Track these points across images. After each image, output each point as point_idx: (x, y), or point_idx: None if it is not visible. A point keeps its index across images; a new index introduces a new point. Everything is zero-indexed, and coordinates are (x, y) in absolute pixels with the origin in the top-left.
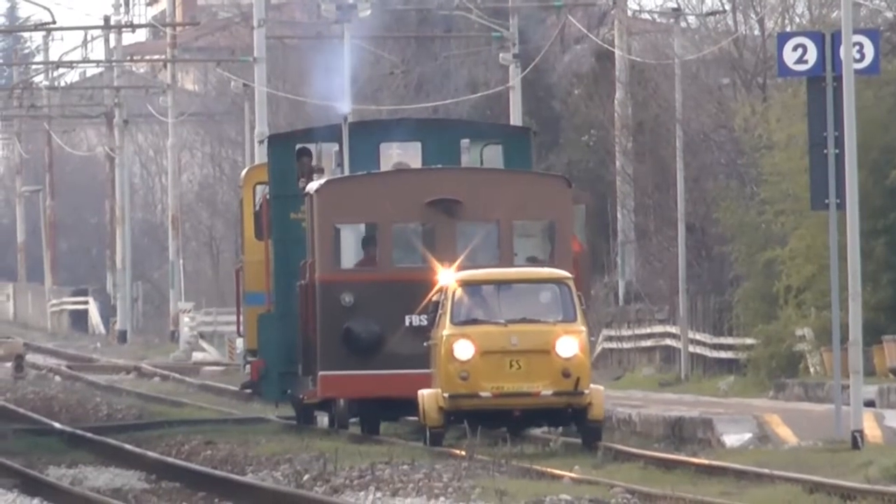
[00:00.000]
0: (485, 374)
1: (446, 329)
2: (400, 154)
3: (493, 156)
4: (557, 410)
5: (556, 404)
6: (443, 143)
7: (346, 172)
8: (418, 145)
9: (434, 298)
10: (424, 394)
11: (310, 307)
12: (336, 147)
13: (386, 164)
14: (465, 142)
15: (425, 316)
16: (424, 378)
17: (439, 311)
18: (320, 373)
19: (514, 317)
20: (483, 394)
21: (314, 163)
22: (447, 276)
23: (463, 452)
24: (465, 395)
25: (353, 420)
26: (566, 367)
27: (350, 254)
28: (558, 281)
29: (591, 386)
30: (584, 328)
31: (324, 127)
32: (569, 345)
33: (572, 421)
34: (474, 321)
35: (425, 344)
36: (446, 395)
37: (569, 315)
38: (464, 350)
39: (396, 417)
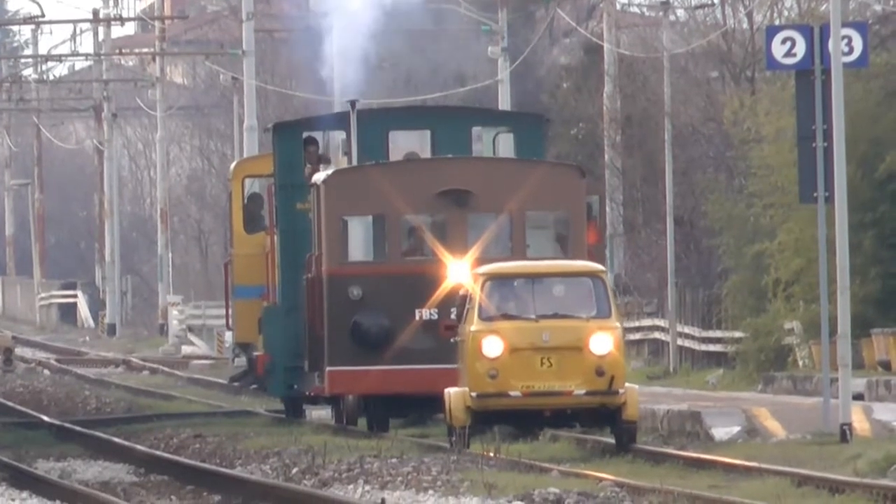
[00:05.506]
0: (514, 373)
1: (474, 325)
2: (409, 144)
3: (506, 144)
4: (590, 410)
5: (589, 404)
6: (453, 131)
7: (354, 161)
8: (428, 133)
9: (461, 292)
10: (451, 392)
11: (316, 301)
12: (343, 135)
13: (395, 153)
14: (476, 129)
15: (435, 310)
16: (436, 374)
17: (466, 306)
18: (328, 368)
19: (545, 312)
20: (513, 393)
21: (321, 151)
22: (459, 269)
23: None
24: (493, 394)
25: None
26: (600, 364)
27: (358, 246)
28: (592, 274)
29: (626, 385)
30: (618, 324)
31: (331, 115)
32: (603, 342)
33: (605, 421)
34: (503, 317)
35: (452, 340)
36: (474, 394)
37: (603, 310)
38: (492, 347)
39: (406, 415)
